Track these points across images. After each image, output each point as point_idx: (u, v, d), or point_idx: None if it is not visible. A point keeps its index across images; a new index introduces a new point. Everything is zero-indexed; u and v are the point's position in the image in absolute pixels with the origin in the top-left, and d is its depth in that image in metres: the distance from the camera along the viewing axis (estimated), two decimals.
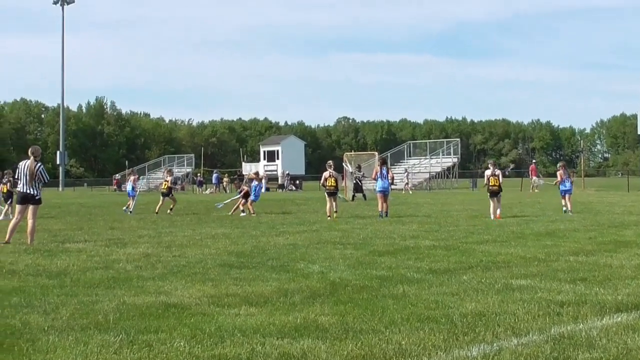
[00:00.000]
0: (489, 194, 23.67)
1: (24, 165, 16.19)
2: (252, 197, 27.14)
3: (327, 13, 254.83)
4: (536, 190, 49.49)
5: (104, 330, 7.25)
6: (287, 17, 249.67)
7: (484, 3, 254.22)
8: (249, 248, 14.85)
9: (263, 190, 34.01)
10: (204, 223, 22.74)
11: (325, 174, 25.33)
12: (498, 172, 24.18)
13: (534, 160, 59.93)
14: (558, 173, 26.96)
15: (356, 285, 9.80)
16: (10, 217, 22.33)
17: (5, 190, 26.94)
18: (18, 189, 16.73)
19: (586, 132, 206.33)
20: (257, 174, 30.06)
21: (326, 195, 24.83)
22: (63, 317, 7.90)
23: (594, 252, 13.51)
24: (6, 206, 26.53)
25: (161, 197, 29.49)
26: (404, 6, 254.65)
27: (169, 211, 28.37)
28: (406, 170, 61.03)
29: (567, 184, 26.07)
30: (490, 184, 23.62)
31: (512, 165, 54.19)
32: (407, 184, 57.77)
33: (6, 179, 26.77)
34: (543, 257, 12.74)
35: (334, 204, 24.59)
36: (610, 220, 21.79)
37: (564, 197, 26.00)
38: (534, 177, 53.35)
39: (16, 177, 16.83)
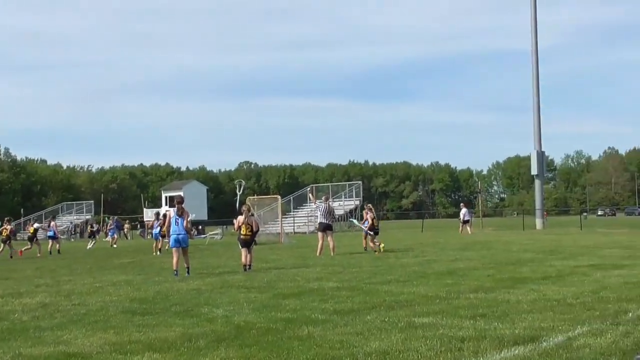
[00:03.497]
0: None
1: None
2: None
3: (229, 57, 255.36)
4: None
5: None
6: (186, 62, 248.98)
7: (391, 46, 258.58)
8: (152, 294, 14.65)
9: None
10: (105, 270, 22.32)
11: (240, 219, 21.21)
12: None
13: None
14: (365, 213, 28.33)
15: (261, 328, 9.79)
16: None
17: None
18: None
19: (483, 173, 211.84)
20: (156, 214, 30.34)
21: (239, 245, 21.08)
22: None
23: (493, 288, 13.83)
24: None
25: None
26: (309, 50, 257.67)
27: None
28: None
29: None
30: None
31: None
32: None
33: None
34: (444, 295, 12.96)
35: (248, 255, 20.51)
36: (508, 258, 22.30)
37: (366, 237, 28.08)
38: None
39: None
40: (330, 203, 26.87)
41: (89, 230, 66.08)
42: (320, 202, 26.99)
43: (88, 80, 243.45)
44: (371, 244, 27.56)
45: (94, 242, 45.63)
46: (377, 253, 25.83)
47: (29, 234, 35.73)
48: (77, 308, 12.71)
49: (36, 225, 36.91)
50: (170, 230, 19.56)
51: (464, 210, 49.64)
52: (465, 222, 48.40)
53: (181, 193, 73.93)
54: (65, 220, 77.74)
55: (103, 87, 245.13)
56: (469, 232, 46.05)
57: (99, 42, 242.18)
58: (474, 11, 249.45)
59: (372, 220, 27.75)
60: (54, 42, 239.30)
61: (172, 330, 9.87)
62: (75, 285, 17.16)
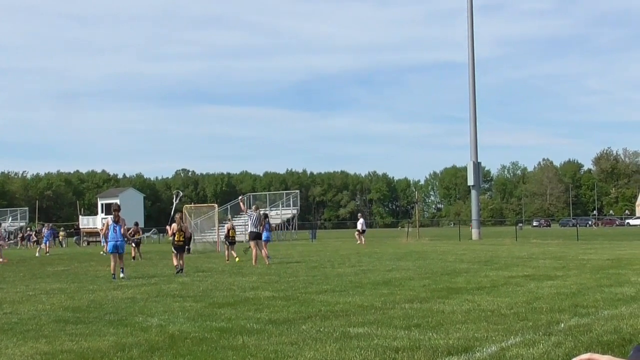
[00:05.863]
0: None
1: None
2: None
3: (167, 64, 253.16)
4: None
5: None
6: (123, 68, 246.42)
7: (329, 56, 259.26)
8: (86, 303, 14.46)
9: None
10: (38, 278, 21.95)
11: (174, 227, 23.42)
12: None
13: None
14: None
15: (195, 338, 9.72)
16: None
17: None
18: None
19: (421, 183, 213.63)
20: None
21: (173, 250, 23.20)
22: None
23: (428, 299, 13.96)
24: None
25: None
26: (247, 58, 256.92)
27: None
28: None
29: (266, 233, 28.71)
30: None
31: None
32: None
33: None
34: (380, 305, 13.04)
35: (181, 261, 22.59)
36: (443, 268, 22.54)
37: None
38: None
39: None
40: (260, 212, 27.12)
41: (33, 237, 65.39)
42: (251, 211, 27.14)
43: (22, 87, 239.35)
44: (233, 253, 29.32)
45: (39, 248, 45.96)
46: (232, 260, 27.12)
47: None
48: (9, 317, 12.48)
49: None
50: (109, 237, 20.53)
51: (361, 221, 49.97)
52: (362, 232, 48.78)
53: (117, 201, 73.32)
54: None
55: (38, 93, 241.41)
56: (363, 243, 46.36)
57: (34, 48, 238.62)
58: (411, 22, 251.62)
59: (229, 230, 30.02)
60: None
61: (105, 339, 9.75)
62: (7, 294, 16.85)
